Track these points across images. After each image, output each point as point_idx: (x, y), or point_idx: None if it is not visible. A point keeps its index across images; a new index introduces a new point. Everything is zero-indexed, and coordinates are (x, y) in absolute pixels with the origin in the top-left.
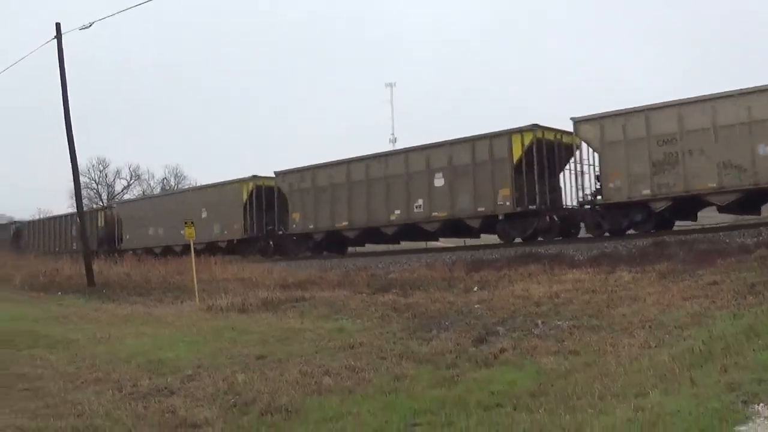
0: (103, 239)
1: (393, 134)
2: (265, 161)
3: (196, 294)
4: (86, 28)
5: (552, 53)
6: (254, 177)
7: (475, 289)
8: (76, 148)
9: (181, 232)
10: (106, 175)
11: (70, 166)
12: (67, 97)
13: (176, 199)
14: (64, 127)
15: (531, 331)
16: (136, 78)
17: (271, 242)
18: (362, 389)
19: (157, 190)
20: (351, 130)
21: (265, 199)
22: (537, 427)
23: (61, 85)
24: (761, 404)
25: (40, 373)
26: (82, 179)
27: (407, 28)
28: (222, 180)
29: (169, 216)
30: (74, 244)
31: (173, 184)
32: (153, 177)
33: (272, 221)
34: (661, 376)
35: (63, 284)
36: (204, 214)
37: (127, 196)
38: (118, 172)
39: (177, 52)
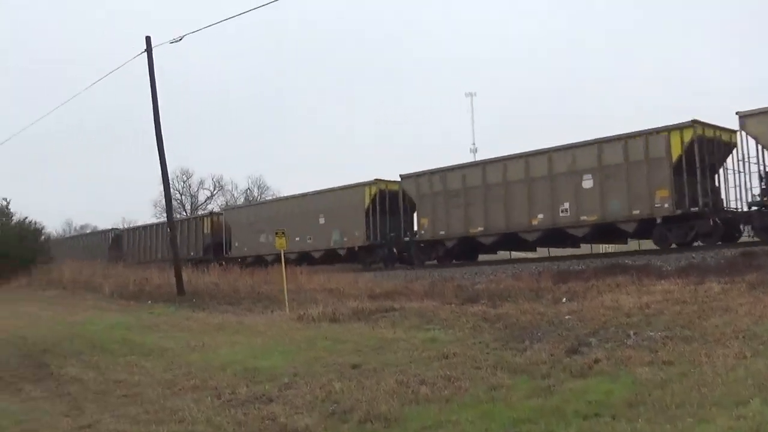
0: (210, 246)
1: (474, 144)
2: (347, 170)
3: (286, 304)
4: (177, 41)
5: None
6: (377, 181)
7: (564, 300)
8: (166, 159)
9: (296, 239)
10: (189, 185)
11: (161, 176)
12: (157, 108)
13: (290, 204)
14: (155, 138)
15: (624, 342)
16: (217, 89)
17: (394, 250)
18: (459, 398)
19: (241, 201)
20: (431, 140)
21: (389, 204)
22: (647, 430)
23: (152, 97)
24: None
25: (138, 380)
26: None
27: (482, 39)
28: (342, 184)
29: (282, 223)
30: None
31: (256, 195)
32: (236, 188)
33: (396, 227)
34: (760, 385)
35: (153, 293)
36: (322, 220)
37: (210, 207)
38: (201, 183)
39: (256, 64)
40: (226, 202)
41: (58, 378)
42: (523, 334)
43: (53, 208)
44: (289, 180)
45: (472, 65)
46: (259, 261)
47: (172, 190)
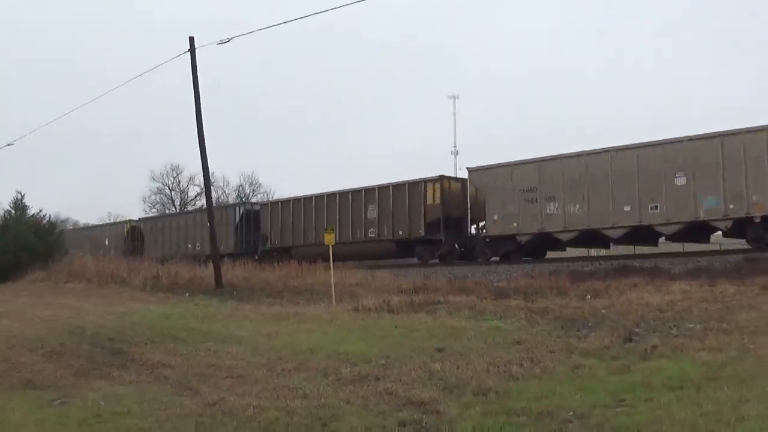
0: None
1: (455, 147)
2: (336, 174)
3: (333, 296)
4: (224, 42)
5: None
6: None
7: (588, 297)
8: (207, 158)
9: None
10: (179, 181)
11: (202, 174)
12: (199, 108)
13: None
14: (197, 137)
15: (669, 333)
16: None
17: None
18: (549, 376)
19: (233, 198)
20: (416, 143)
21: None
22: (736, 396)
23: (195, 98)
24: None
25: (231, 363)
26: (155, 185)
27: (465, 41)
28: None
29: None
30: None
31: (248, 192)
32: (228, 184)
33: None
34: None
35: (188, 286)
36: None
37: (200, 203)
38: (191, 179)
39: (248, 67)
40: (217, 199)
41: (143, 364)
42: (575, 325)
43: (32, 202)
44: (283, 180)
45: (456, 66)
46: (285, 253)
47: (161, 184)
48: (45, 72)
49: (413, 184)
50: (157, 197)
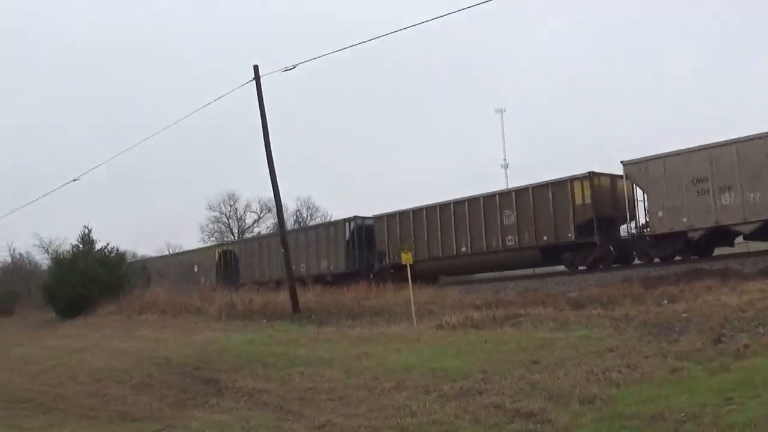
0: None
1: (505, 160)
2: (392, 196)
3: (414, 315)
4: (289, 70)
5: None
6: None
7: (665, 302)
8: (278, 182)
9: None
10: (236, 209)
11: (274, 201)
12: (267, 136)
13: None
14: (267, 166)
15: (756, 332)
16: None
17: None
18: (649, 381)
19: (291, 222)
20: (464, 159)
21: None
22: None
23: (262, 126)
24: None
25: (328, 386)
26: (213, 214)
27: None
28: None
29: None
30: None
31: (305, 216)
32: (286, 209)
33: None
34: None
35: (264, 312)
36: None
37: (257, 230)
38: (248, 206)
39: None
40: (275, 225)
41: (237, 391)
42: (662, 330)
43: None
44: (340, 201)
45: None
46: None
47: (219, 213)
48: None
49: (558, 184)
50: (215, 226)
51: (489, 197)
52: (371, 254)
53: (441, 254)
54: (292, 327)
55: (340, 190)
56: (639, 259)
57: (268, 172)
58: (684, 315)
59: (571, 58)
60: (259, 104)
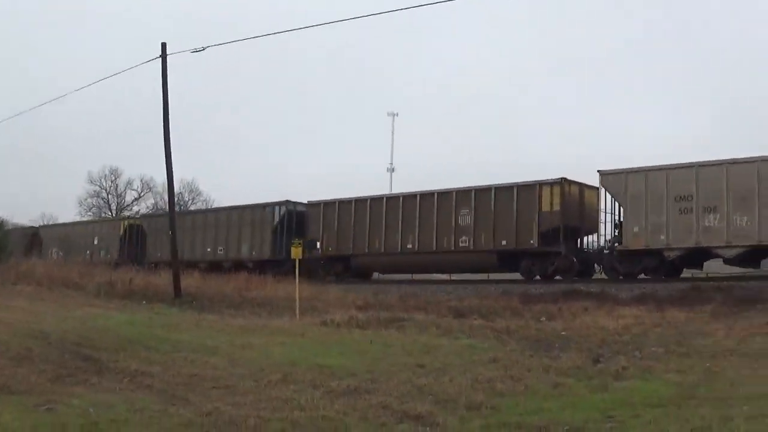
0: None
1: (391, 163)
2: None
3: (298, 310)
4: (198, 51)
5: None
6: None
7: (543, 319)
8: (172, 162)
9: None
10: (117, 185)
11: (166, 179)
12: (167, 115)
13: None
14: (163, 143)
15: (633, 355)
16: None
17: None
18: (532, 393)
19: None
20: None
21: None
22: (718, 414)
23: (163, 104)
24: None
25: (213, 374)
26: (92, 187)
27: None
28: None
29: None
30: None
31: (187, 200)
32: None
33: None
34: None
35: (144, 294)
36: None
37: (137, 208)
38: (129, 183)
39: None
40: (155, 204)
41: (119, 372)
42: (543, 346)
43: None
44: (224, 190)
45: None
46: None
47: (98, 187)
48: None
49: (525, 187)
50: (94, 201)
51: (444, 194)
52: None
53: (383, 250)
54: (172, 311)
55: (226, 178)
56: (604, 274)
57: (159, 151)
58: (563, 333)
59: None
60: (163, 83)
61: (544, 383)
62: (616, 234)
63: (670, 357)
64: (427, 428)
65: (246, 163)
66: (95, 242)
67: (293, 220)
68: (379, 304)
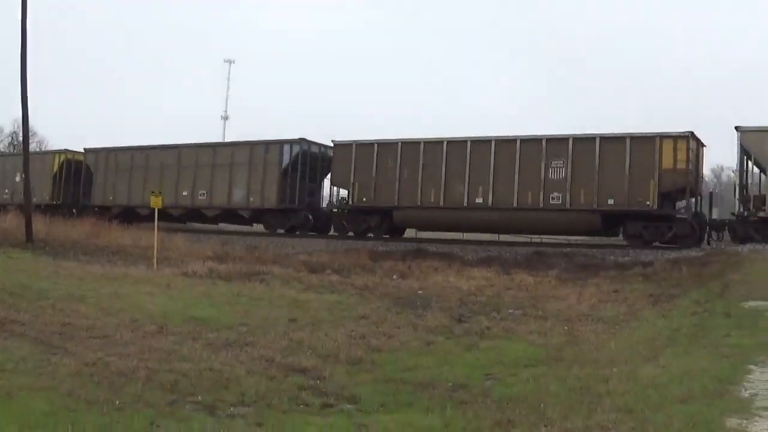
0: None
1: (225, 112)
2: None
3: (155, 260)
4: None
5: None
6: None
7: (395, 277)
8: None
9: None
10: None
11: (21, 114)
12: (25, 50)
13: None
14: (20, 81)
15: (493, 316)
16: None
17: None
18: (408, 350)
19: (3, 146)
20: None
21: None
22: (592, 374)
23: (22, 39)
24: (750, 365)
25: (86, 323)
26: None
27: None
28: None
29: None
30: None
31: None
32: (1, 131)
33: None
34: (649, 350)
35: None
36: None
37: None
38: None
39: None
40: None
41: None
42: (407, 303)
43: None
44: (62, 132)
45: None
46: (128, 213)
47: None
48: None
49: (641, 139)
50: None
51: (530, 141)
52: (316, 190)
53: (442, 203)
54: (26, 256)
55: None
56: (732, 240)
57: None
58: (420, 292)
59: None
60: (22, 15)
61: (416, 340)
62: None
63: (528, 319)
64: (317, 381)
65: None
66: (17, 179)
67: (307, 161)
68: (227, 255)
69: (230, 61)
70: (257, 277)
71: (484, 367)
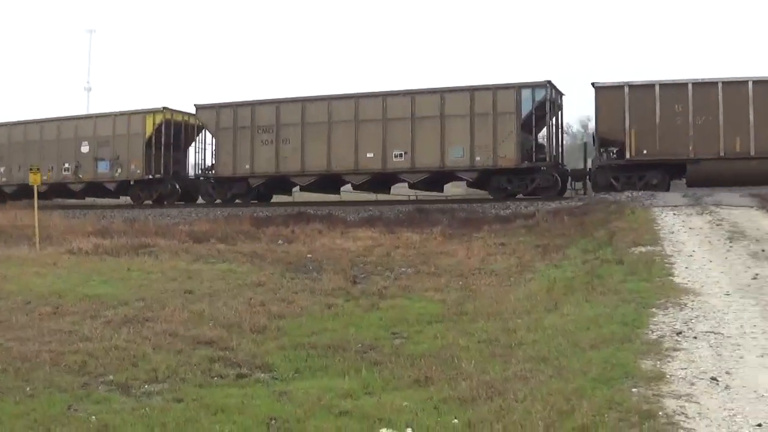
0: None
1: (88, 83)
2: None
3: (37, 239)
4: None
5: None
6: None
7: (280, 242)
8: None
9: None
10: None
11: None
12: None
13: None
14: None
15: (387, 275)
16: None
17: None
18: (310, 315)
19: None
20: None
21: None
22: (498, 327)
23: None
24: (652, 308)
25: None
26: None
27: None
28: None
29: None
30: None
31: None
32: None
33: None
34: (549, 300)
35: None
36: (86, 149)
37: None
38: None
39: None
40: None
41: None
42: (299, 269)
43: None
44: None
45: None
46: None
47: None
48: None
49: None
50: None
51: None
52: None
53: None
54: None
55: None
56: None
57: None
58: (309, 256)
59: None
60: None
61: (316, 305)
62: None
63: (422, 276)
64: (227, 352)
65: None
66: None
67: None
68: (108, 230)
69: (92, 31)
70: (144, 250)
71: (389, 326)
